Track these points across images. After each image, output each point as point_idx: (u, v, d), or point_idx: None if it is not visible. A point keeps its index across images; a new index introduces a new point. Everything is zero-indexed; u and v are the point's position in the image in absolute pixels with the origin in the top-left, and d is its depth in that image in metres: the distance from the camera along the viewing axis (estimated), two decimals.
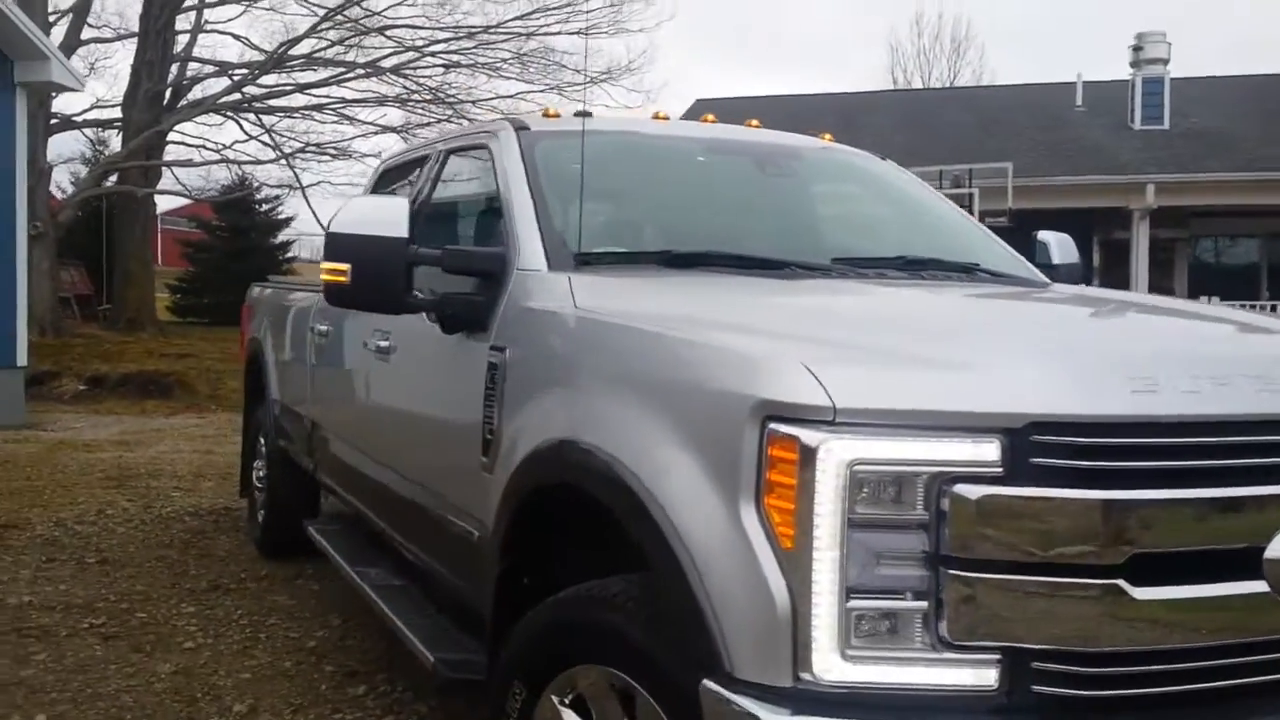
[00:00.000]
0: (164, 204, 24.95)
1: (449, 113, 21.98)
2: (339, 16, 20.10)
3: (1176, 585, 1.83)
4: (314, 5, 20.46)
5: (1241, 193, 16.73)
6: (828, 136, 4.15)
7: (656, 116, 3.86)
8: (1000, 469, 1.80)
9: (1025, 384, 1.85)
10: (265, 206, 28.91)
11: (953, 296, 2.94)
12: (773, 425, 1.89)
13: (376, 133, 21.82)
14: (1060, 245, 3.95)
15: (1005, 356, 1.97)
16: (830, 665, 1.83)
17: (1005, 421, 1.81)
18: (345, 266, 3.03)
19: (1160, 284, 17.34)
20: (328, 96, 21.42)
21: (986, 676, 1.82)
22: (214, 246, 28.47)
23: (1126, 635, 1.82)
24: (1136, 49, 19.08)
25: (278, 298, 6.12)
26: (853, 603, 1.82)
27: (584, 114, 3.76)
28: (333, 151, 21.53)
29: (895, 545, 1.82)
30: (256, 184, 24.30)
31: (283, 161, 21.48)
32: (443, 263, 3.09)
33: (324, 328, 4.74)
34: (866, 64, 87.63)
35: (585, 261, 2.94)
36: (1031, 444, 1.80)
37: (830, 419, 1.83)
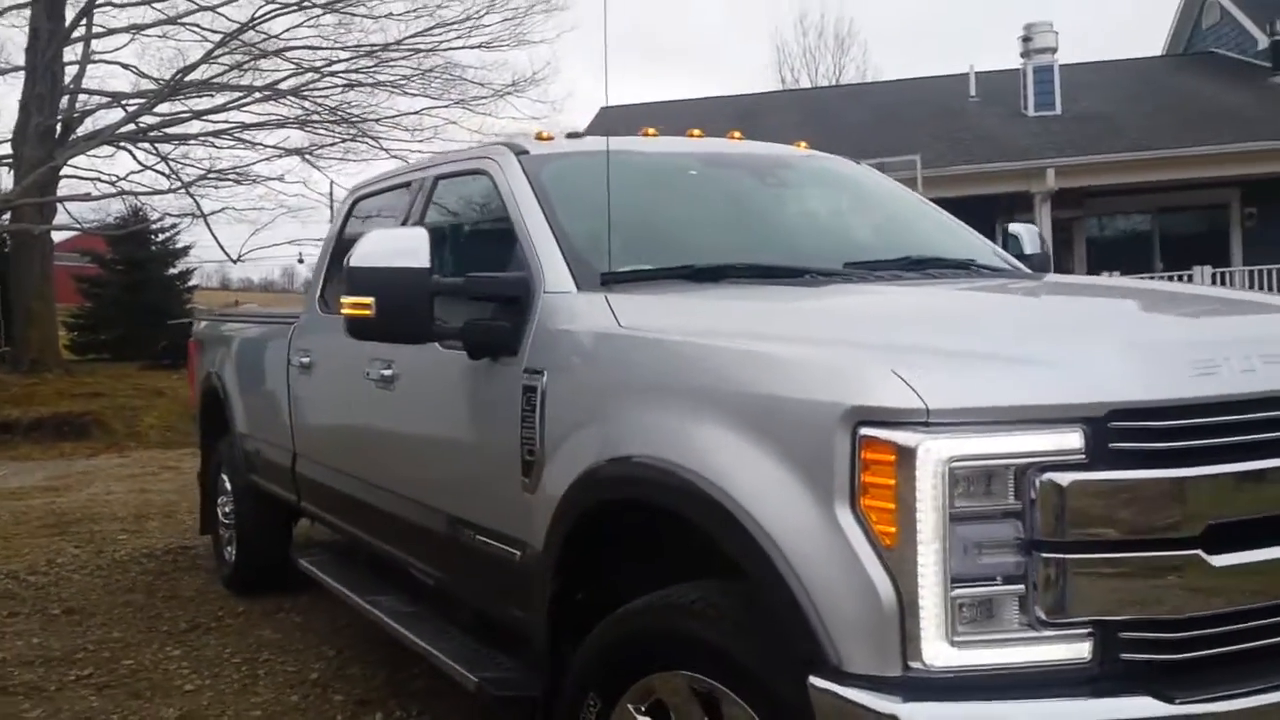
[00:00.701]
0: (55, 239, 24.07)
1: (353, 132, 21.69)
2: (235, 41, 19.67)
3: (1248, 550, 1.98)
4: (207, 31, 20.04)
5: (1132, 171, 17.47)
6: (804, 145, 4.29)
7: (646, 133, 3.94)
8: (1084, 456, 1.93)
9: (1101, 375, 1.99)
10: (161, 237, 28.10)
11: (978, 293, 3.09)
12: (865, 430, 1.99)
13: (280, 156, 21.37)
14: (1030, 236, 4.15)
15: (1077, 350, 2.10)
16: (938, 652, 1.93)
17: (1086, 411, 1.94)
18: (369, 300, 3.05)
19: (1063, 262, 18.01)
20: (226, 121, 20.96)
21: (1080, 650, 1.94)
22: (110, 281, 27.56)
23: (1206, 600, 1.96)
24: (1026, 39, 19.78)
25: (239, 331, 6.04)
26: (956, 591, 1.93)
27: (575, 134, 3.84)
28: (235, 177, 21.04)
29: (992, 534, 1.94)
30: (159, 215, 23.58)
31: (182, 190, 20.93)
32: (466, 291, 3.13)
33: (306, 359, 4.71)
34: (753, 64, 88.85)
35: (610, 281, 3.00)
36: (1110, 431, 1.94)
37: (924, 420, 1.94)
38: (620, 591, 2.67)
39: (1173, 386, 2.00)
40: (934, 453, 1.92)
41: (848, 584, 2.00)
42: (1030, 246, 4.10)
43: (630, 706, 2.52)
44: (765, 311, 2.76)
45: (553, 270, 3.08)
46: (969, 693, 1.93)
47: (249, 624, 5.47)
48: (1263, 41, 20.34)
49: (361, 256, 3.07)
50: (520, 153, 3.58)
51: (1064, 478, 1.91)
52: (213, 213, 21.46)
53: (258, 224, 29.81)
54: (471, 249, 3.80)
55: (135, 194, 21.74)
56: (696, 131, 4.13)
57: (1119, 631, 1.95)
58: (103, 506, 9.31)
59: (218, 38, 19.77)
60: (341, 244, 4.90)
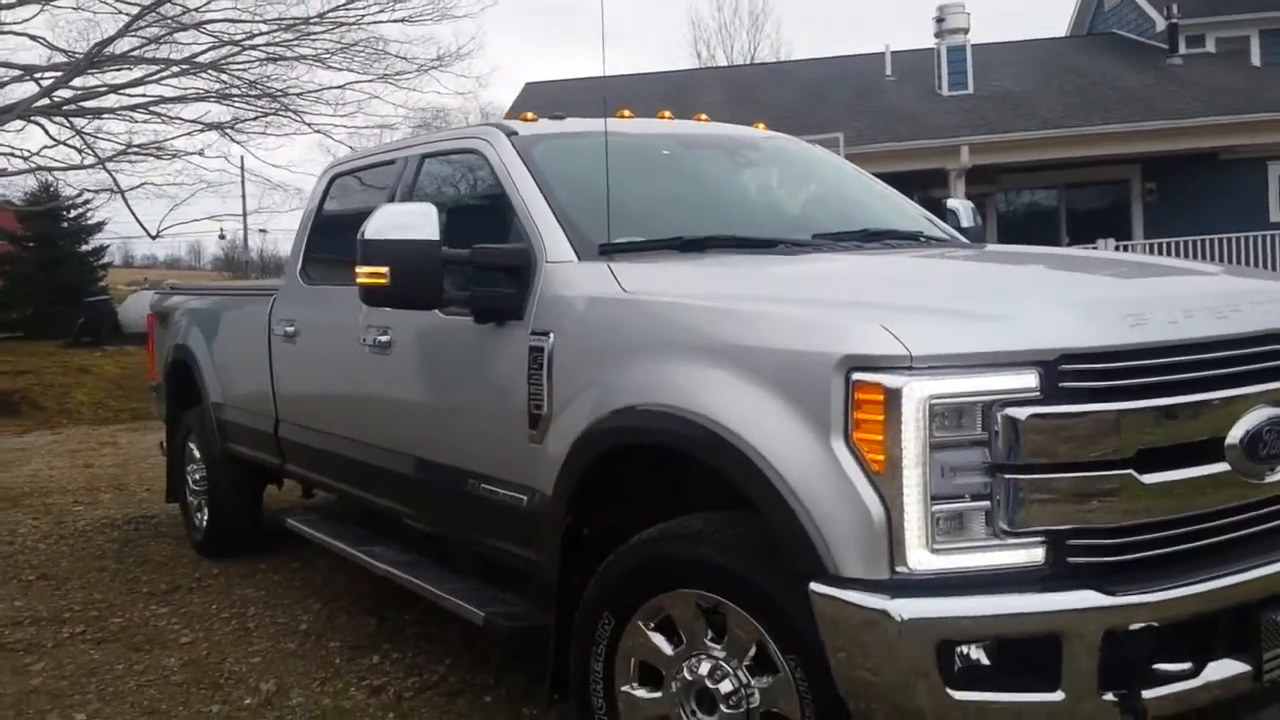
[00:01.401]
0: None
1: (275, 106, 21.50)
2: (152, 14, 19.32)
3: (1172, 470, 2.41)
4: (123, 2, 19.65)
5: (1041, 149, 18.20)
6: (763, 126, 4.65)
7: (621, 115, 4.26)
8: (1039, 393, 2.33)
9: (1052, 326, 2.39)
10: (74, 213, 27.50)
11: (934, 260, 3.51)
12: (857, 375, 2.37)
13: (200, 130, 21.10)
14: (966, 211, 4.58)
15: (1032, 306, 2.51)
16: (920, 558, 2.33)
17: (1040, 356, 2.34)
18: (384, 269, 3.33)
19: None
20: (144, 95, 20.61)
21: (1035, 555, 2.35)
22: (21, 258, 26.91)
23: (1138, 512, 2.39)
24: (939, 20, 20.42)
25: (210, 304, 6.22)
26: (934, 508, 2.33)
27: (558, 116, 4.15)
28: (154, 152, 20.71)
29: (963, 460, 2.33)
30: (77, 191, 23.05)
31: (98, 166, 20.55)
32: (473, 261, 3.43)
33: (291, 328, 4.94)
34: (668, 39, 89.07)
35: (607, 251, 3.33)
36: (1060, 372, 2.34)
37: (908, 365, 2.32)
38: (622, 528, 3.03)
39: (1112, 335, 2.41)
40: (916, 392, 2.30)
41: (843, 505, 2.38)
42: (966, 220, 4.53)
43: (641, 623, 2.88)
44: (754, 276, 3.13)
45: (553, 242, 3.40)
46: (945, 590, 2.33)
47: (229, 584, 5.69)
48: (1160, 24, 21.28)
49: (375, 229, 3.35)
50: (510, 133, 3.88)
51: (1022, 411, 2.31)
52: (131, 189, 21.15)
53: (177, 199, 29.28)
54: (464, 223, 4.07)
55: (49, 169, 21.30)
56: (667, 113, 4.47)
57: (1067, 539, 2.36)
58: (49, 481, 9.35)
59: (133, 10, 19.42)
60: (320, 220, 5.14)
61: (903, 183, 16.51)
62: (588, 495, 3.14)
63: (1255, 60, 21.32)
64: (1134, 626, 2.34)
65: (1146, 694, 2.33)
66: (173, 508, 7.32)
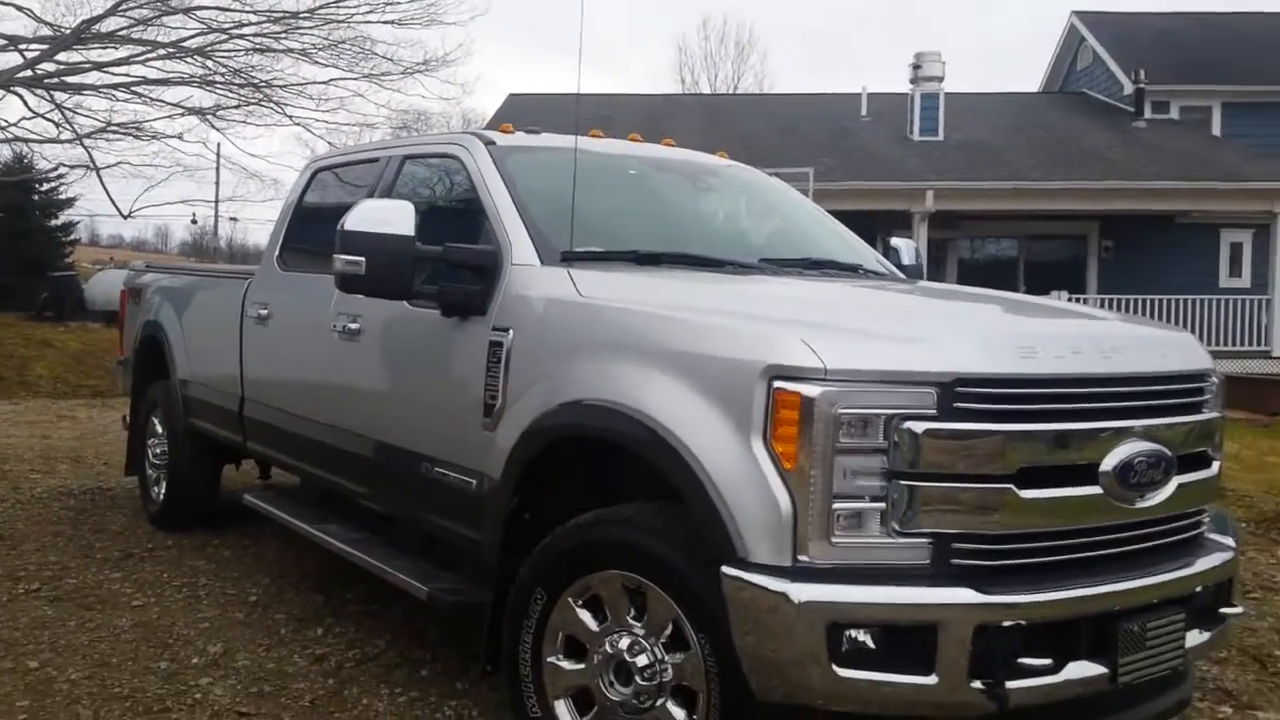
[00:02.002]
0: None
1: (258, 96, 21.65)
2: None
3: (1049, 488, 2.71)
4: None
5: (1004, 199, 18.74)
6: (724, 154, 4.97)
7: (593, 134, 4.55)
8: (935, 410, 2.63)
9: (951, 352, 2.70)
10: (46, 187, 27.44)
11: (864, 289, 3.82)
12: (778, 383, 2.66)
13: (182, 114, 21.20)
14: (908, 249, 4.91)
15: (935, 332, 2.82)
16: (820, 549, 2.62)
17: (938, 377, 2.65)
18: (360, 259, 3.60)
19: (936, 279, 19.18)
20: (127, 75, 20.70)
21: (922, 554, 2.65)
22: None
23: (1015, 523, 2.69)
24: (915, 67, 20.96)
25: (186, 283, 6.43)
26: (836, 505, 2.62)
27: (534, 131, 4.44)
28: (135, 132, 20.80)
29: (864, 465, 2.63)
30: (53, 165, 23.05)
31: (75, 141, 20.60)
32: (444, 258, 3.70)
33: (264, 311, 5.18)
34: (654, 62, 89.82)
35: (568, 258, 3.61)
36: (956, 393, 2.65)
37: (823, 377, 2.62)
38: (560, 513, 3.29)
39: (1003, 363, 2.72)
40: (827, 401, 2.60)
41: (756, 497, 2.67)
42: (907, 258, 4.86)
43: (570, 600, 3.15)
44: (699, 291, 3.43)
45: (520, 246, 3.68)
46: (840, 579, 2.62)
47: (181, 555, 5.89)
48: (1128, 87, 21.95)
49: (355, 222, 3.61)
50: (489, 142, 4.16)
51: (919, 425, 2.61)
52: (107, 166, 21.21)
53: (152, 181, 29.23)
54: (438, 222, 4.33)
55: (26, 141, 21.30)
56: (636, 136, 4.77)
57: (952, 542, 2.66)
58: (5, 449, 9.46)
59: None
60: (301, 211, 5.39)
61: (868, 222, 17.00)
62: (532, 482, 3.41)
63: (1216, 130, 22.02)
64: (1004, 624, 2.63)
65: (1011, 684, 2.62)
66: (129, 482, 7.51)
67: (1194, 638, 3.04)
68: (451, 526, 3.82)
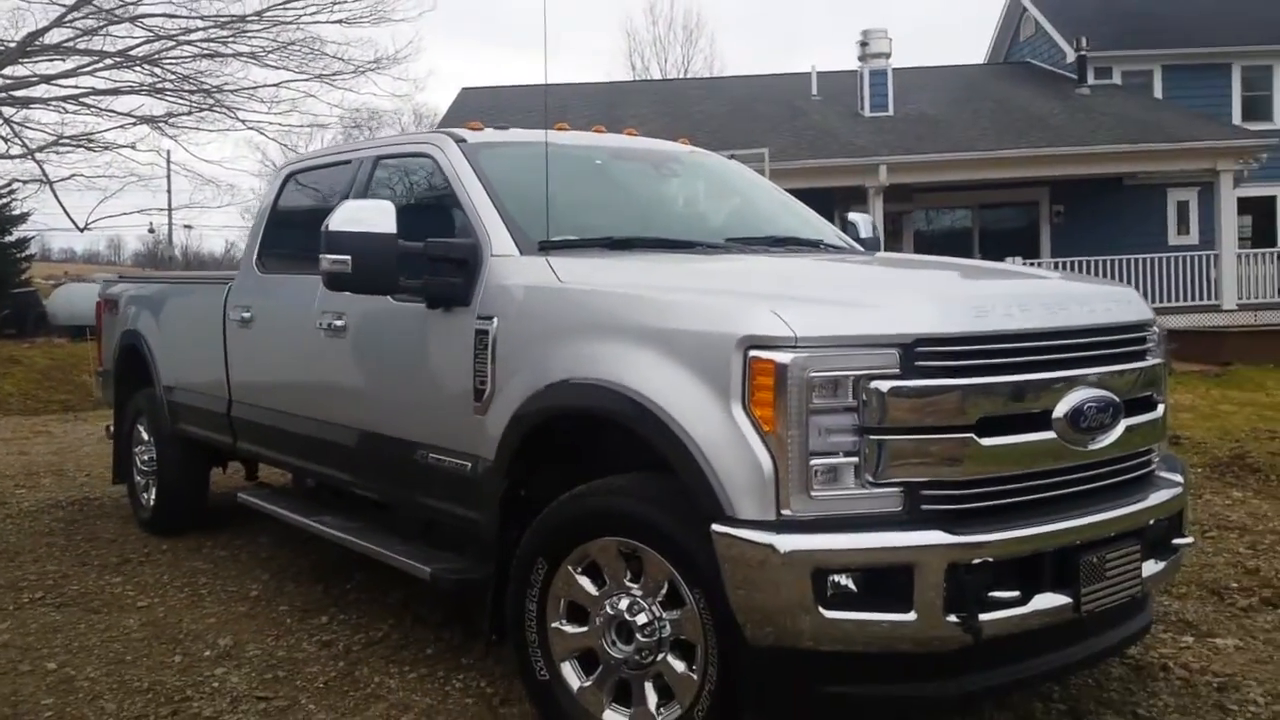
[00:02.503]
0: None
1: (209, 101, 21.59)
2: (87, 6, 19.35)
3: (1006, 436, 2.95)
4: None
5: (956, 170, 19.11)
6: (686, 141, 5.17)
7: (559, 127, 4.73)
8: (898, 370, 2.85)
9: (911, 315, 2.93)
10: None
11: (826, 263, 4.04)
12: (753, 352, 2.87)
13: (134, 123, 21.11)
14: (865, 224, 5.14)
15: (895, 298, 3.05)
16: (802, 503, 2.84)
17: (900, 339, 2.87)
18: (346, 258, 3.77)
19: (892, 250, 19.51)
20: (76, 86, 20.59)
21: (894, 502, 2.88)
22: None
23: (978, 469, 2.92)
24: (863, 44, 21.25)
25: (163, 291, 6.55)
26: (813, 462, 2.84)
27: (503, 127, 4.61)
28: (87, 144, 20.70)
29: (836, 423, 2.85)
30: (7, 181, 22.88)
31: (28, 157, 20.48)
32: (426, 253, 3.88)
33: (247, 314, 5.33)
34: (604, 49, 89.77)
35: (545, 248, 3.80)
36: (916, 353, 2.87)
37: (794, 344, 2.83)
38: (552, 489, 3.49)
39: (958, 323, 2.95)
40: (799, 367, 2.81)
41: (739, 459, 2.88)
42: (865, 232, 5.09)
43: (570, 568, 3.36)
44: (672, 272, 3.63)
45: (498, 238, 3.86)
46: (821, 529, 2.84)
47: (178, 558, 6.02)
48: (1071, 55, 22.38)
49: (340, 222, 3.79)
50: (460, 140, 4.34)
51: (884, 384, 2.84)
52: (60, 180, 21.11)
53: (107, 192, 29.02)
54: (414, 219, 4.49)
55: None
56: (600, 127, 4.96)
57: (921, 489, 2.89)
58: None
59: (69, 1, 19.42)
60: (276, 215, 5.53)
61: (824, 198, 17.27)
62: (524, 461, 3.60)
63: (1158, 93, 22.52)
64: (974, 561, 2.86)
65: (984, 616, 2.85)
66: (115, 491, 7.62)
67: (1150, 567, 3.29)
68: (449, 508, 4.01)
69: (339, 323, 4.51)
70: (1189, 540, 3.56)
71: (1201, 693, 3.83)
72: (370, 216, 3.81)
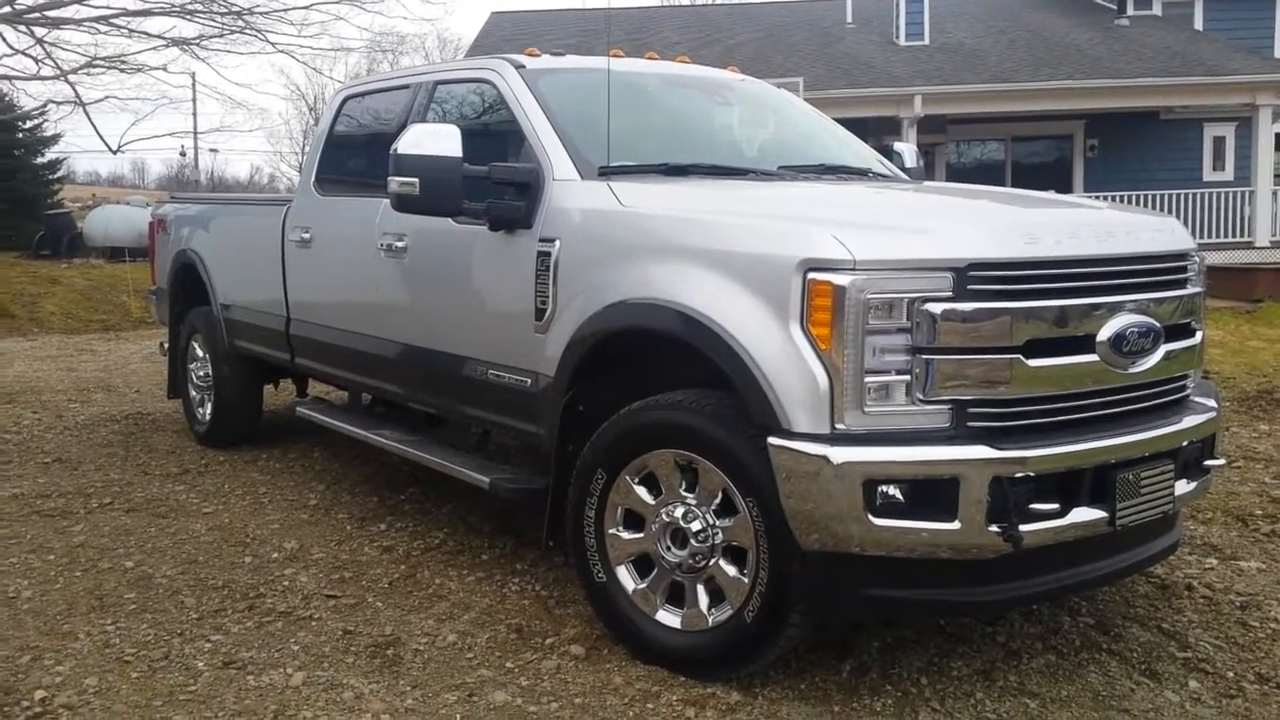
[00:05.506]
0: None
1: (240, 24, 21.55)
2: None
3: (1051, 358, 3.09)
4: None
5: (990, 101, 18.95)
6: (734, 68, 5.26)
7: (613, 53, 4.82)
8: (951, 293, 3.00)
9: (964, 240, 3.06)
10: (29, 124, 27.29)
11: (878, 190, 4.16)
12: (812, 275, 3.02)
13: (165, 45, 21.12)
14: (910, 153, 5.23)
15: (948, 224, 3.18)
16: (855, 418, 3.00)
17: (953, 263, 3.01)
18: (414, 180, 3.92)
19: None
20: (108, 7, 20.58)
21: (943, 418, 3.04)
22: None
23: (1024, 388, 3.07)
24: None
25: (220, 211, 6.72)
26: (867, 379, 3.00)
27: (559, 53, 4.72)
28: (119, 65, 20.75)
29: (891, 343, 3.00)
30: (42, 102, 22.97)
31: (61, 78, 20.55)
32: (490, 177, 4.02)
33: (306, 235, 5.49)
34: None
35: (605, 172, 3.93)
36: (969, 277, 3.01)
37: (852, 267, 2.97)
38: (610, 404, 3.67)
39: (1010, 249, 3.09)
40: (857, 288, 2.96)
41: (796, 375, 3.05)
42: (910, 161, 5.19)
43: (628, 478, 3.55)
44: (731, 197, 3.77)
45: (560, 163, 3.99)
46: (873, 442, 3.01)
47: (235, 469, 6.27)
48: None
49: (408, 145, 3.92)
50: (519, 66, 4.45)
51: (937, 307, 2.98)
52: (93, 101, 21.21)
53: (139, 114, 29.11)
54: (473, 144, 4.63)
55: (9, 79, 21.24)
56: (653, 54, 5.05)
57: (969, 407, 3.04)
58: (39, 382, 9.78)
59: None
60: (333, 138, 5.66)
61: (858, 128, 17.11)
62: (583, 377, 3.77)
63: (1199, 24, 22.11)
64: (1016, 475, 3.02)
65: (1024, 527, 3.02)
66: (167, 406, 7.91)
67: (1182, 487, 3.45)
68: (509, 422, 4.20)
69: (400, 244, 4.67)
70: (1221, 461, 3.72)
71: (1224, 610, 4.01)
72: (438, 140, 3.94)
